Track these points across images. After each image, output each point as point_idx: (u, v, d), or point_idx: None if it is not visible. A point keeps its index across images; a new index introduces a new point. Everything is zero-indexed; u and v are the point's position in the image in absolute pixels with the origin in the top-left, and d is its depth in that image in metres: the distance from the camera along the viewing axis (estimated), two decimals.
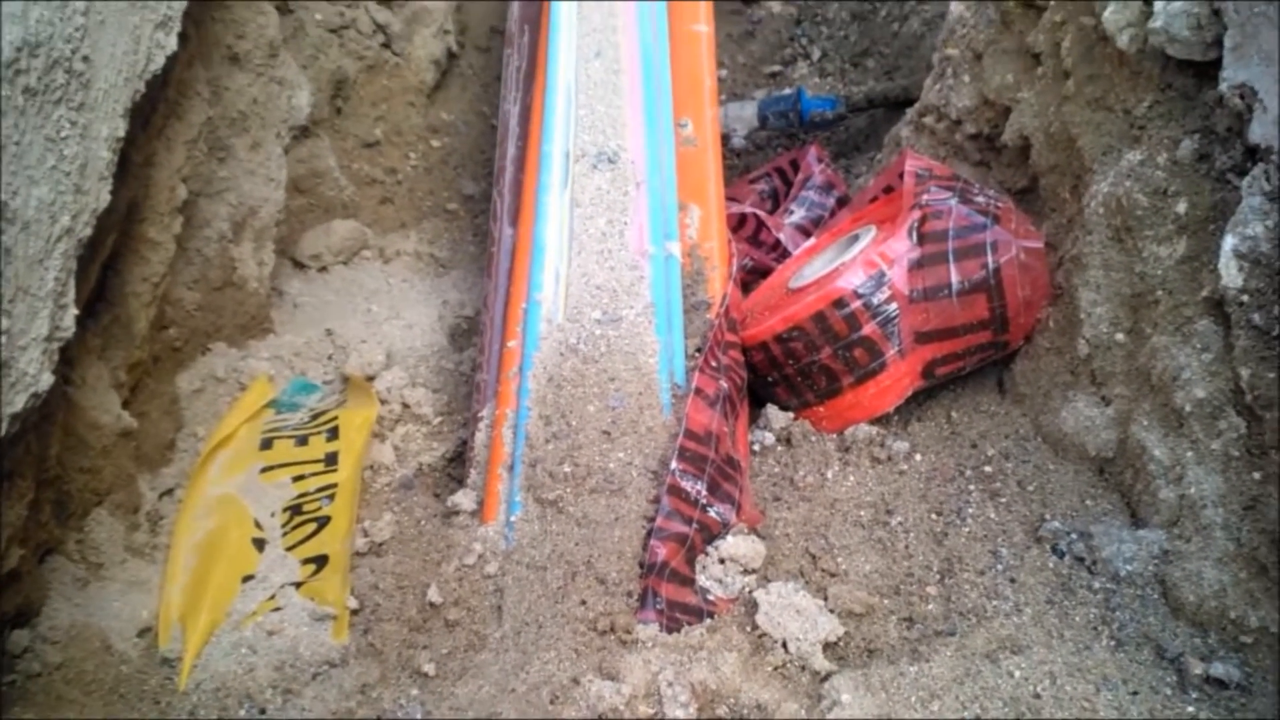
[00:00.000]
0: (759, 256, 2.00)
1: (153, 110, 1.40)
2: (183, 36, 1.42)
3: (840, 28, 2.81)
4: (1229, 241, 1.20)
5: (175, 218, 1.57)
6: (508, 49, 2.21)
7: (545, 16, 2.00)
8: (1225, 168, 1.28)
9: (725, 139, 2.54)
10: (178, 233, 1.58)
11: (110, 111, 1.15)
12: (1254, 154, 1.23)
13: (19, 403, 1.01)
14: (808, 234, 2.01)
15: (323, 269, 2.24)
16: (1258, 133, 1.19)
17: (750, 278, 2.03)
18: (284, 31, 2.43)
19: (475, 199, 2.61)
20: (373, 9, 2.54)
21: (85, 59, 1.08)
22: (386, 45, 2.60)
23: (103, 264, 1.39)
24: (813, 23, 2.85)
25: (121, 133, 1.17)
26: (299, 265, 2.23)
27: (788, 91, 2.59)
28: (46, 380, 1.05)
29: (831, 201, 2.06)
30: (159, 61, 1.25)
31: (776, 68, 2.80)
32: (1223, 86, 1.24)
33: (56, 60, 1.03)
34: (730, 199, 2.28)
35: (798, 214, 2.06)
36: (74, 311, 1.10)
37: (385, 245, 2.34)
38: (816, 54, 2.79)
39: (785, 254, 1.95)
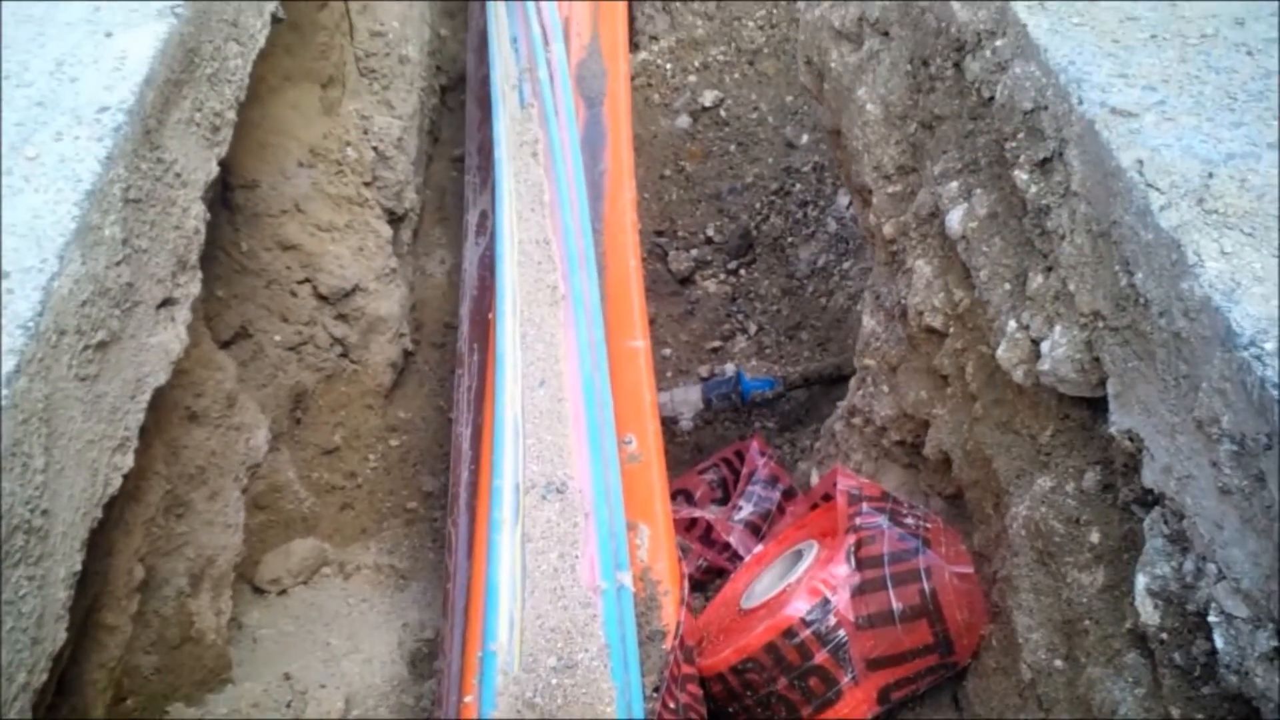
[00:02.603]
0: (712, 557, 2.06)
1: (109, 508, 1.46)
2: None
3: (773, 302, 3.00)
4: (1141, 580, 1.26)
5: (133, 597, 1.59)
6: (459, 368, 2.33)
7: (492, 338, 2.12)
8: (1129, 500, 1.37)
9: (674, 421, 2.65)
10: (134, 612, 1.60)
11: (69, 550, 1.20)
12: (1152, 492, 1.31)
13: None
14: (757, 529, 2.07)
15: (282, 592, 2.25)
16: (1149, 478, 1.27)
17: (705, 577, 2.07)
18: (242, 355, 2.55)
19: (435, 495, 2.66)
20: (329, 324, 2.68)
21: (45, 512, 1.14)
22: (344, 355, 2.72)
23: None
24: (747, 299, 3.04)
25: (79, 566, 1.22)
26: (258, 591, 2.24)
27: (730, 370, 2.73)
28: None
29: (777, 495, 2.14)
30: (116, 483, 1.32)
31: (717, 343, 2.96)
32: (1111, 429, 1.34)
33: (16, 525, 1.09)
34: (681, 490, 2.36)
35: (746, 509, 2.14)
36: None
37: (345, 559, 2.37)
38: (753, 328, 2.96)
39: (736, 555, 2.01)
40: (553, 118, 2.44)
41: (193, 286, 1.56)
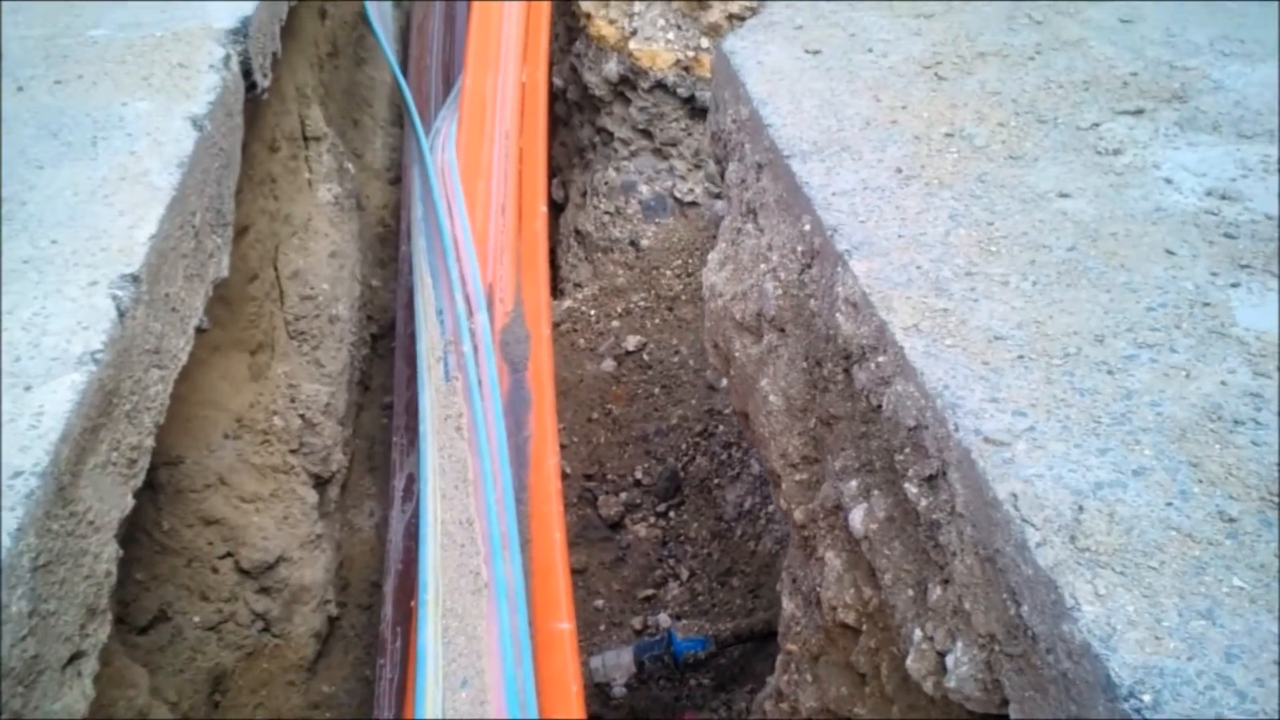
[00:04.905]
0: None
1: None
2: None
3: (703, 545, 3.03)
4: None
5: None
6: (380, 657, 2.30)
7: (413, 628, 2.11)
8: None
9: (607, 686, 2.61)
10: None
11: None
12: None
13: None
14: None
15: None
16: None
17: None
18: (160, 640, 2.48)
19: None
20: (251, 599, 2.63)
21: None
22: (266, 629, 2.66)
23: None
24: (678, 542, 3.07)
25: None
26: None
27: (664, 622, 2.73)
28: None
29: None
30: None
31: (650, 591, 2.96)
32: None
33: None
34: None
35: None
36: None
37: None
38: (685, 574, 2.97)
39: None
40: (476, 390, 2.52)
41: (102, 632, 1.54)
